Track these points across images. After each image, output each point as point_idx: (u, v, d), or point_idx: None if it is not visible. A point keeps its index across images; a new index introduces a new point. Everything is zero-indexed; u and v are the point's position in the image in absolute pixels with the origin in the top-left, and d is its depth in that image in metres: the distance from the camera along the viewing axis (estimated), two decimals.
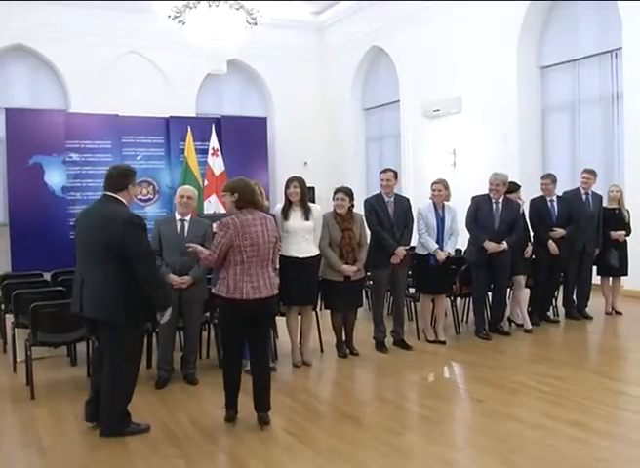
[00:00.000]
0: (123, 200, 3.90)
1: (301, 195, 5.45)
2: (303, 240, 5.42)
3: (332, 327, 5.80)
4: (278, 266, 4.34)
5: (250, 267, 3.95)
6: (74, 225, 4.09)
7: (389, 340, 6.03)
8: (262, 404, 4.04)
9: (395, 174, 5.99)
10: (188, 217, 5.07)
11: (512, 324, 6.79)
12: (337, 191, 5.70)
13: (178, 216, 5.04)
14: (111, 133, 11.27)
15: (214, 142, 11.04)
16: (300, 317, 5.62)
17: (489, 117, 10.15)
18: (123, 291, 3.73)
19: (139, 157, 11.54)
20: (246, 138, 12.07)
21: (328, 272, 5.61)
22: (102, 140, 11.24)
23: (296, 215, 5.44)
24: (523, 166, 9.67)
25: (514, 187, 6.66)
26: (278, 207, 5.54)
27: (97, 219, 3.83)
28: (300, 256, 5.38)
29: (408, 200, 6.12)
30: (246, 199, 4.02)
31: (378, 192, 6.09)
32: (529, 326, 6.60)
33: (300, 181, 5.47)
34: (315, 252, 5.53)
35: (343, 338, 5.85)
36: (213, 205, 10.38)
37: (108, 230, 3.73)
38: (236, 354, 4.08)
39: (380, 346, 5.94)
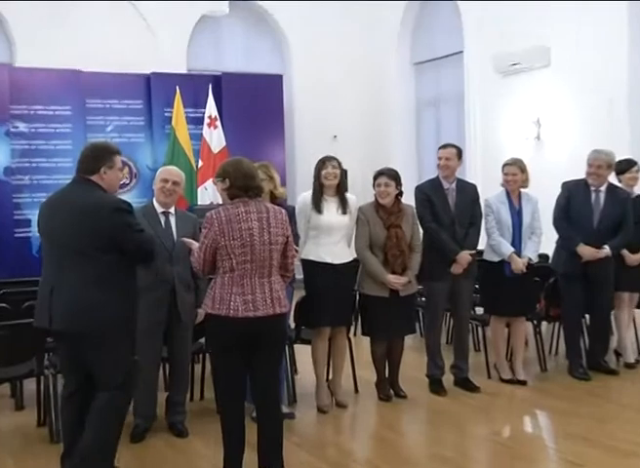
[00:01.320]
0: (100, 184, 4.05)
1: (339, 180, 5.53)
2: (340, 240, 5.48)
3: (372, 359, 5.83)
4: (290, 275, 4.37)
5: (241, 276, 4.03)
6: (38, 219, 4.18)
7: (448, 378, 6.04)
8: (271, 463, 4.07)
9: (458, 151, 6.01)
10: (173, 209, 5.12)
11: (620, 358, 6.76)
12: (378, 174, 5.74)
13: (159, 208, 5.09)
14: (72, 95, 11.34)
15: (211, 109, 11.10)
16: (330, 343, 5.69)
17: (589, 74, 10.06)
18: (112, 294, 3.91)
19: (109, 128, 11.63)
20: (255, 104, 12.09)
21: (367, 284, 5.64)
22: (60, 105, 11.31)
23: (330, 208, 5.51)
24: (635, 140, 9.57)
25: (625, 166, 6.61)
26: (305, 195, 5.61)
27: (74, 210, 3.94)
28: (335, 262, 5.44)
29: (475, 187, 6.13)
30: (238, 185, 4.08)
31: (433, 177, 6.09)
32: (630, 360, 6.60)
33: (339, 162, 5.57)
34: (352, 256, 5.59)
35: (386, 375, 5.88)
36: (210, 193, 10.45)
37: (93, 223, 3.88)
38: (231, 393, 4.12)
39: (437, 386, 5.96)
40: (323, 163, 5.54)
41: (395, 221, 5.64)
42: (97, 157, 4.09)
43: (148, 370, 5.02)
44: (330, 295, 5.42)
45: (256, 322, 4.00)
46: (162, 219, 5.06)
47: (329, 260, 5.44)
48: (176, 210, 5.15)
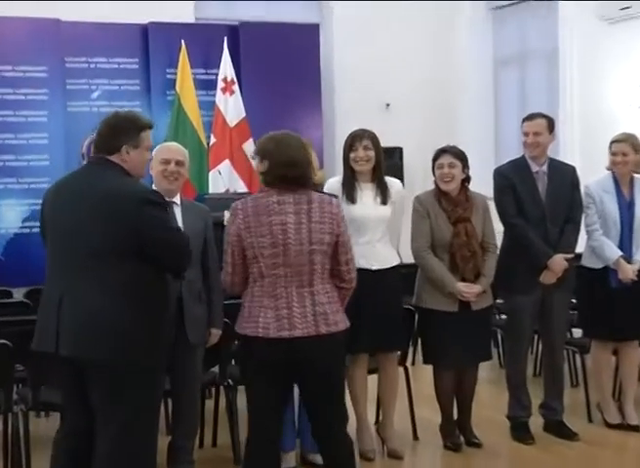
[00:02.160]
0: (123, 167, 4.08)
1: (376, 162, 5.51)
2: (380, 238, 5.47)
3: (435, 394, 5.84)
4: (348, 285, 4.42)
5: (274, 284, 4.10)
6: (41, 212, 4.23)
7: (537, 421, 6.03)
8: None
9: (549, 123, 5.99)
10: (177, 199, 5.13)
11: None
12: (440, 153, 5.75)
13: None
14: (47, 52, 11.39)
15: (227, 70, 11.15)
16: (374, 375, 5.76)
17: None
18: (138, 311, 3.90)
19: (95, 94, 11.70)
20: (283, 63, 12.06)
21: (429, 296, 5.65)
22: (32, 65, 11.36)
23: (365, 197, 5.51)
24: None
25: None
26: (332, 182, 5.63)
27: (89, 200, 3.94)
28: (374, 268, 5.44)
29: (573, 170, 6.11)
30: (278, 174, 4.13)
31: (517, 157, 6.07)
32: None
33: (374, 138, 5.53)
34: (397, 260, 5.59)
35: (455, 416, 5.87)
36: (225, 178, 10.54)
37: (114, 218, 3.88)
38: (259, 435, 4.18)
39: (521, 432, 5.96)
40: (352, 142, 5.54)
41: (463, 214, 5.63)
42: (118, 132, 4.11)
43: None
44: (369, 310, 5.40)
45: (293, 344, 4.04)
46: None
47: (365, 265, 5.40)
48: (181, 199, 5.17)
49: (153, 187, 5.10)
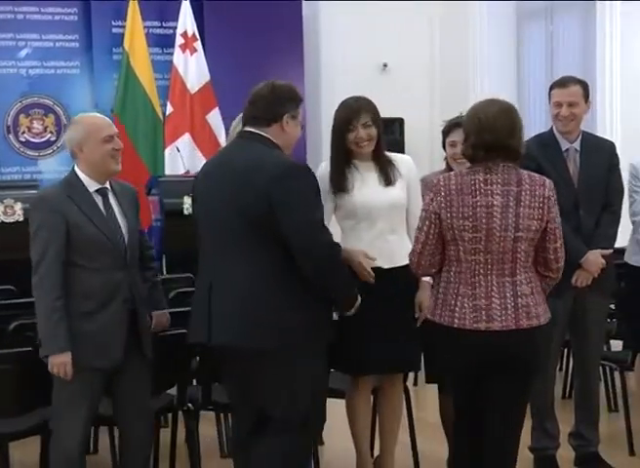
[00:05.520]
0: (274, 141, 4.50)
1: (377, 137, 5.48)
2: (390, 228, 5.45)
3: (441, 421, 5.86)
4: (554, 275, 4.63)
5: (472, 271, 4.40)
6: (193, 191, 4.72)
7: (566, 454, 6.04)
8: None
9: (585, 89, 6.00)
10: (108, 184, 5.09)
11: None
12: (452, 127, 5.76)
13: (92, 184, 5.02)
14: None
15: (187, 23, 11.18)
16: (375, 397, 5.75)
17: None
18: (294, 297, 4.37)
19: (23, 53, 11.73)
20: (256, 14, 12.09)
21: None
22: None
23: (366, 180, 5.46)
24: None
25: None
26: (325, 166, 5.58)
27: (244, 176, 4.33)
28: (385, 265, 5.36)
29: (612, 146, 6.13)
30: (487, 141, 4.34)
31: (544, 131, 6.10)
32: None
33: (373, 111, 5.48)
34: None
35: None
36: (186, 157, 10.60)
37: (273, 196, 4.31)
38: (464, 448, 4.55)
39: (547, 466, 5.97)
40: (348, 120, 5.43)
41: None
42: (280, 99, 4.58)
43: (75, 440, 4.95)
44: (375, 321, 5.35)
45: (489, 339, 4.30)
46: (99, 202, 5.02)
47: (378, 263, 5.37)
48: (111, 183, 5.13)
49: (77, 171, 5.03)
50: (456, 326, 4.33)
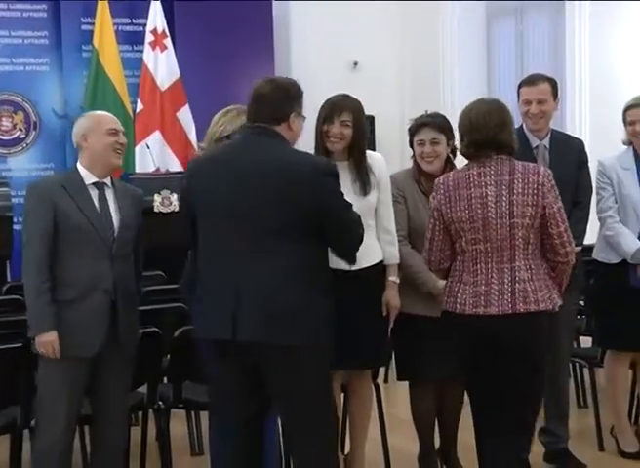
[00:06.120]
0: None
1: (355, 139, 5.41)
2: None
3: (412, 418, 5.87)
4: (564, 260, 4.75)
5: (474, 259, 4.64)
6: (189, 186, 4.61)
7: (536, 449, 6.02)
8: None
9: (553, 87, 6.01)
10: (109, 180, 5.13)
11: None
12: (419, 126, 5.73)
13: (89, 177, 5.07)
14: None
15: (157, 20, 11.17)
16: (345, 393, 5.74)
17: None
18: (316, 295, 4.40)
19: None
20: (226, 11, 12.05)
21: (406, 298, 5.62)
22: None
23: (342, 183, 5.42)
24: None
25: None
26: None
27: (268, 173, 4.35)
28: (353, 268, 5.26)
29: (580, 144, 6.16)
30: (478, 139, 4.61)
31: (515, 128, 6.13)
32: None
33: (357, 112, 5.45)
34: (379, 255, 5.52)
35: (436, 444, 5.91)
36: (155, 154, 10.58)
37: (298, 192, 4.30)
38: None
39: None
40: (329, 113, 5.40)
41: None
42: (287, 98, 4.51)
43: (59, 439, 4.95)
44: (344, 319, 5.29)
45: (487, 323, 4.50)
46: (94, 195, 5.06)
47: (339, 265, 5.23)
48: (113, 180, 5.17)
49: (78, 166, 5.14)
50: (457, 311, 4.56)
